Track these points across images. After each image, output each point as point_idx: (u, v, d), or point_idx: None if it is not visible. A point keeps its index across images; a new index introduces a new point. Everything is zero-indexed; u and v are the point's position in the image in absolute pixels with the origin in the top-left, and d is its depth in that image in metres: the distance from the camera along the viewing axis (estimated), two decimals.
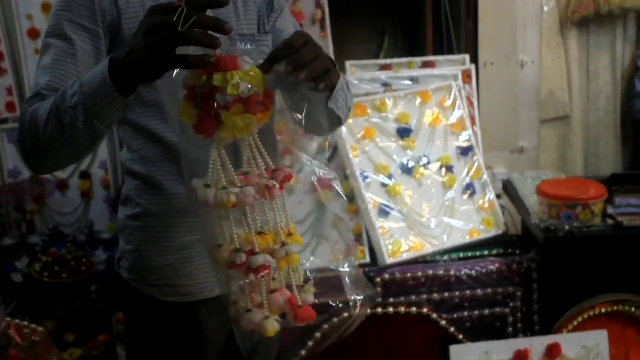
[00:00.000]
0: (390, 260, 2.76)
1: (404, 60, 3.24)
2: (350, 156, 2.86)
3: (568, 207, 2.65)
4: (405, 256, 2.79)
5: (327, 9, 3.18)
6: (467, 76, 3.18)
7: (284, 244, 1.23)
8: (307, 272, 1.29)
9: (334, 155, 2.96)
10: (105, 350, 3.02)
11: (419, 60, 3.24)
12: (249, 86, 1.18)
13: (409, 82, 3.12)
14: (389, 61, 3.23)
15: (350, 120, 2.90)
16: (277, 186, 1.22)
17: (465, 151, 3.01)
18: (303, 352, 2.54)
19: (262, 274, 1.20)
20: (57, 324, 3.00)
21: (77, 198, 3.40)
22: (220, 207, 1.20)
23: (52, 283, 2.99)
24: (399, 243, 2.81)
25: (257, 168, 1.24)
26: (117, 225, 1.75)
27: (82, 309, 3.04)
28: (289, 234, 1.25)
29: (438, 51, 3.41)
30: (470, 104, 3.15)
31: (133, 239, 1.64)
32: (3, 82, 3.25)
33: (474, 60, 3.28)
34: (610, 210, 2.72)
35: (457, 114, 3.03)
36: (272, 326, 1.21)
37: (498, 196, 3.08)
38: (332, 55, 3.18)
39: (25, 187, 3.38)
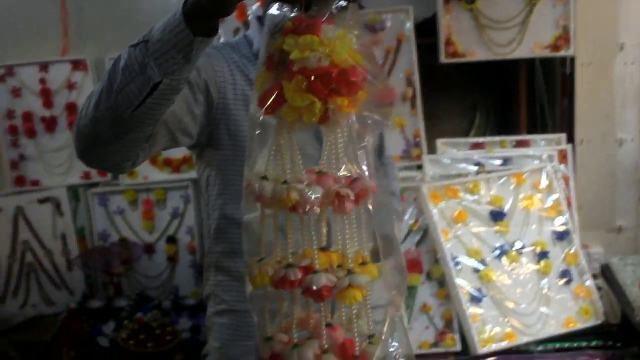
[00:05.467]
0: (482, 350, 2.69)
1: (497, 138, 3.20)
2: (442, 240, 2.81)
3: None
4: (498, 346, 2.72)
5: (417, 87, 3.16)
6: (562, 156, 3.11)
7: (349, 272, 0.99)
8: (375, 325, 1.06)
9: (424, 239, 2.92)
10: None
11: (512, 139, 3.20)
12: (320, 56, 0.96)
13: (501, 162, 3.07)
14: (481, 139, 3.19)
15: (442, 203, 2.86)
16: (352, 198, 0.99)
17: (561, 236, 2.93)
18: None
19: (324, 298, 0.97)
20: None
21: (163, 262, 3.44)
22: (277, 205, 1.00)
23: (137, 352, 3.01)
24: (492, 332, 2.73)
25: (335, 170, 1.01)
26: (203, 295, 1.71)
27: None
28: (362, 263, 1.02)
29: (532, 129, 3.35)
30: (567, 184, 3.07)
31: (220, 336, 1.61)
32: None
33: (570, 139, 3.21)
34: None
35: (552, 197, 2.96)
36: None
37: (594, 276, 2.98)
38: (423, 132, 3.15)
39: (114, 250, 3.43)
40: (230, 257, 1.57)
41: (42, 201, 3.42)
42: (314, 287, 0.96)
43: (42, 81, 3.41)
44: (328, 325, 1.02)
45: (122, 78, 1.15)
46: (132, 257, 3.42)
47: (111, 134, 1.21)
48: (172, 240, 3.42)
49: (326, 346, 1.01)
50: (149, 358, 3.03)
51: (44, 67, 3.41)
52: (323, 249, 1.01)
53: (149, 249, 3.44)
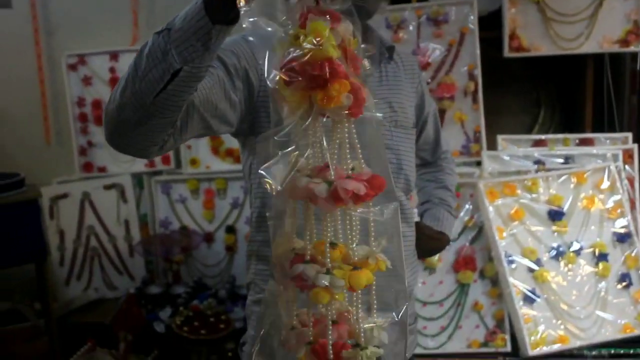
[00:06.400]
0: (532, 352, 2.62)
1: (560, 136, 3.11)
2: (496, 238, 2.74)
3: None
4: (550, 348, 2.64)
5: (480, 81, 3.09)
6: (628, 156, 2.99)
7: (328, 271, 0.96)
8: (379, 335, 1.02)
9: (479, 236, 2.86)
10: None
11: (575, 137, 3.09)
12: (292, 49, 0.96)
13: (563, 160, 2.97)
14: (543, 136, 3.11)
15: (499, 200, 2.79)
16: (322, 196, 0.95)
17: (622, 238, 2.82)
18: None
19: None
20: None
21: (222, 251, 3.48)
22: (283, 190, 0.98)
23: (190, 339, 3.05)
24: (544, 334, 2.65)
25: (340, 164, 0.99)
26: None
27: None
28: (354, 268, 0.98)
29: (597, 128, 3.23)
30: (632, 185, 2.95)
31: (257, 326, 1.61)
32: None
33: (637, 138, 3.08)
34: None
35: (614, 197, 2.85)
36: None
37: None
38: (483, 127, 3.08)
39: (174, 237, 3.49)
40: (270, 247, 1.56)
41: (107, 187, 3.50)
42: (290, 274, 0.98)
43: (112, 70, 3.50)
44: (334, 322, 1.00)
45: (146, 64, 1.16)
46: (191, 245, 3.46)
47: (136, 120, 1.22)
48: (231, 230, 3.46)
49: (311, 338, 1.00)
50: (202, 345, 3.06)
51: (114, 56, 3.50)
52: (333, 245, 0.99)
53: (209, 237, 3.48)
